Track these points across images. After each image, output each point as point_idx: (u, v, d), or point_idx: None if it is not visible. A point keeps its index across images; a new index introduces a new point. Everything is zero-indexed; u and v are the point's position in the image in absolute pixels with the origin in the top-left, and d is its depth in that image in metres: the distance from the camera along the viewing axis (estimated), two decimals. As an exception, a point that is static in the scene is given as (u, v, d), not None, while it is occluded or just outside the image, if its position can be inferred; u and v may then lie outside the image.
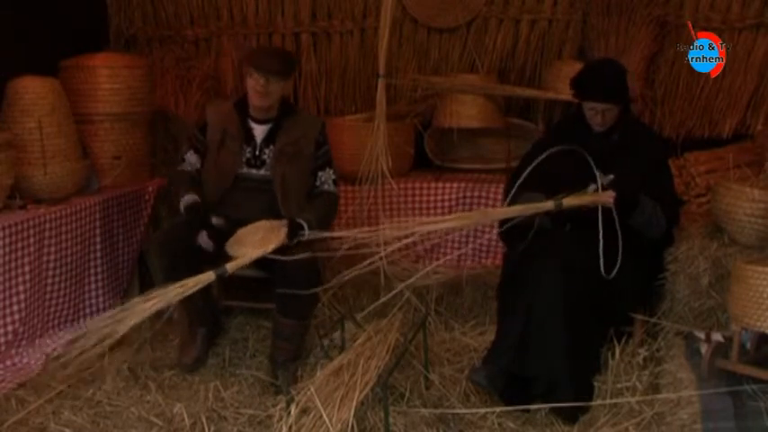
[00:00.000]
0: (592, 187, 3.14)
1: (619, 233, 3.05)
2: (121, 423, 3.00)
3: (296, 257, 3.18)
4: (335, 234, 3.36)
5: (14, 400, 3.12)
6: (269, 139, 3.54)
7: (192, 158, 3.58)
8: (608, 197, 3.12)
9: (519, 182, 3.41)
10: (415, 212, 4.46)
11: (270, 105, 3.50)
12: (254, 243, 3.25)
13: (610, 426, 2.87)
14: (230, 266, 3.13)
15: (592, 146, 3.36)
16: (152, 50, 5.04)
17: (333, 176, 3.62)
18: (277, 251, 3.21)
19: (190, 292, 3.04)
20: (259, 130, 3.55)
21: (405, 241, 3.04)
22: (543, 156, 3.14)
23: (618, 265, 3.03)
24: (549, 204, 3.10)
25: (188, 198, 3.38)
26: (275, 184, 3.49)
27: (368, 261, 3.04)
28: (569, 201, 3.10)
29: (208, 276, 3.08)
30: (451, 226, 3.15)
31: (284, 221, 3.33)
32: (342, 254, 3.18)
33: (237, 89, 4.77)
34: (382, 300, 3.34)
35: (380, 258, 3.03)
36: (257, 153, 3.53)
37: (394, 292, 3.32)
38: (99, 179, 4.03)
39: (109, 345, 2.96)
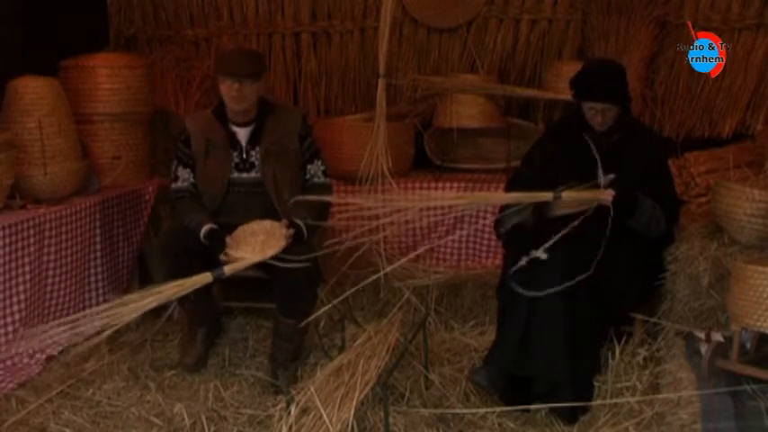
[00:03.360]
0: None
1: (604, 232, 3.07)
2: (121, 423, 3.00)
3: (295, 266, 3.17)
4: (340, 201, 3.36)
5: (14, 400, 3.11)
6: (253, 140, 3.52)
7: (183, 174, 3.55)
8: (607, 195, 3.12)
9: (519, 183, 3.43)
10: (415, 212, 4.45)
11: (247, 108, 3.48)
12: (254, 247, 3.25)
13: (610, 426, 2.87)
14: (228, 269, 3.13)
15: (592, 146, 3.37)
16: (152, 50, 5.04)
17: (322, 167, 3.61)
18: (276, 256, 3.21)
19: (186, 291, 3.04)
20: (242, 134, 3.53)
21: (403, 215, 3.02)
22: None
23: (597, 258, 3.05)
24: (547, 195, 3.11)
25: (206, 228, 3.35)
26: (267, 184, 3.49)
27: (364, 228, 3.02)
28: (568, 194, 3.11)
29: (205, 277, 3.08)
30: (450, 203, 3.15)
31: (284, 224, 3.32)
32: (341, 253, 3.18)
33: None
34: (368, 280, 3.30)
35: (378, 230, 3.02)
36: (244, 156, 3.52)
37: (386, 269, 3.32)
38: (99, 179, 4.02)
39: (105, 338, 2.95)
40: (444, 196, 3.22)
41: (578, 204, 3.16)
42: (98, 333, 2.89)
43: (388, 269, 3.32)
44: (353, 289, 3.36)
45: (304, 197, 3.38)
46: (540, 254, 3.12)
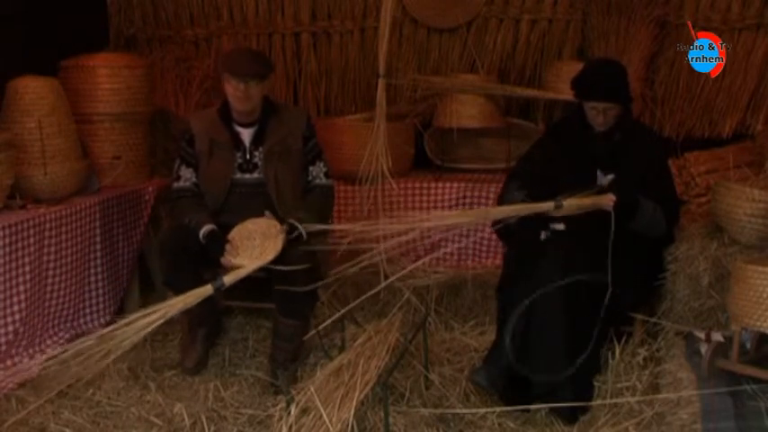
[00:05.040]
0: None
1: (611, 236, 3.07)
2: (121, 423, 3.00)
3: (295, 268, 3.18)
4: (335, 227, 3.34)
5: (14, 400, 3.12)
6: (257, 141, 3.51)
7: (186, 173, 3.55)
8: (608, 200, 3.12)
9: (518, 178, 3.43)
10: (415, 212, 4.46)
11: (253, 108, 3.47)
12: (252, 252, 3.24)
13: (610, 426, 2.87)
14: (227, 279, 3.12)
15: (593, 146, 3.37)
16: (152, 50, 5.04)
17: (324, 169, 3.60)
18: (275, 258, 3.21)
19: (189, 305, 3.04)
20: (246, 134, 3.52)
21: (404, 237, 3.03)
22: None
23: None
24: (548, 205, 3.11)
25: (206, 228, 3.34)
26: (269, 185, 3.48)
27: (367, 255, 3.03)
28: (569, 203, 3.11)
29: (206, 290, 3.07)
30: (451, 223, 3.14)
31: (281, 228, 3.31)
32: (342, 251, 3.17)
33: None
34: (373, 291, 3.31)
35: (380, 253, 3.02)
36: (248, 157, 3.51)
37: (390, 279, 3.32)
38: (99, 179, 4.02)
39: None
40: (445, 215, 3.21)
41: (579, 209, 3.16)
42: (104, 357, 2.89)
43: (393, 278, 3.32)
44: (359, 300, 3.34)
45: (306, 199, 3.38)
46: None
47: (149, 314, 2.93)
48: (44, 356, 3.42)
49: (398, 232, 3.04)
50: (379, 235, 3.08)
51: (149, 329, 2.91)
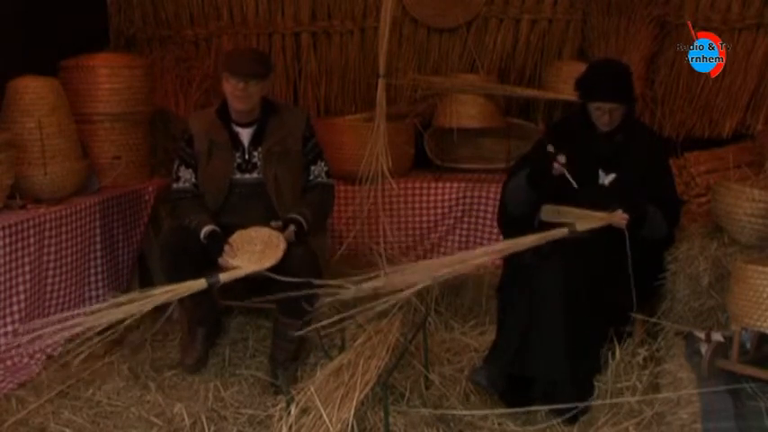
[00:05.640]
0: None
1: (628, 252, 3.09)
2: (121, 423, 3.00)
3: (292, 280, 3.16)
4: (336, 282, 3.14)
5: (14, 400, 3.11)
6: (256, 141, 3.51)
7: (185, 174, 3.54)
8: (621, 218, 3.13)
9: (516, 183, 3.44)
10: (415, 212, 4.47)
11: (252, 108, 3.46)
12: (252, 256, 3.24)
13: (610, 426, 2.87)
14: (223, 277, 3.12)
15: (595, 146, 3.37)
16: (152, 50, 5.04)
17: (325, 168, 3.60)
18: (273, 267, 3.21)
19: (179, 296, 3.03)
20: (245, 134, 3.51)
21: (415, 288, 3.00)
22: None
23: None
24: (562, 231, 3.11)
25: (207, 229, 3.33)
26: (268, 185, 3.48)
27: (378, 301, 3.00)
28: (582, 225, 3.12)
29: (199, 284, 3.07)
30: (467, 265, 3.14)
31: (283, 238, 3.30)
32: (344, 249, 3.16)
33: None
34: (376, 303, 3.28)
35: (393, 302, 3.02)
36: (247, 157, 3.51)
37: (388, 295, 3.28)
38: (99, 179, 4.03)
39: (104, 338, 2.95)
40: (461, 258, 3.18)
41: (592, 229, 3.17)
42: (86, 331, 2.89)
43: (401, 294, 3.30)
44: (359, 310, 3.29)
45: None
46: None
47: (137, 299, 2.92)
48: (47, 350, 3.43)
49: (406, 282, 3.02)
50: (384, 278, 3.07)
51: (135, 313, 2.90)
